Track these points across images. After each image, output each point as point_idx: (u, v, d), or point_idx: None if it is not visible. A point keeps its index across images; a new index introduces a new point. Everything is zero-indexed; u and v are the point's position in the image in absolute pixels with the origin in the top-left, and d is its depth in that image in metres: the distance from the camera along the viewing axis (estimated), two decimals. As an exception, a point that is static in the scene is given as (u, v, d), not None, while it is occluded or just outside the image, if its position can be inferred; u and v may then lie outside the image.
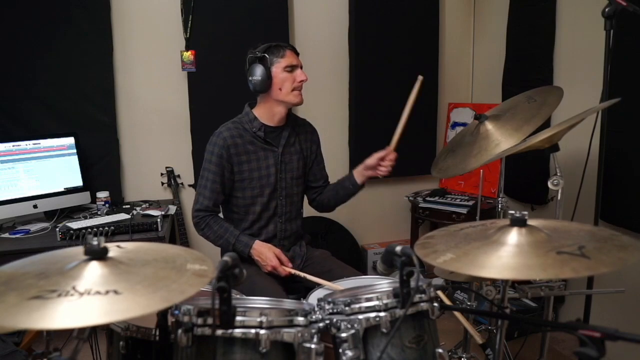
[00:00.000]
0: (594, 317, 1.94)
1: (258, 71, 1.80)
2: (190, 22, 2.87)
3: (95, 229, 2.29)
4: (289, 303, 1.18)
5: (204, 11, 2.89)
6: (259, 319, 1.01)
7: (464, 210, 2.93)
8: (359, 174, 1.95)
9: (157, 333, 1.12)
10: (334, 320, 1.08)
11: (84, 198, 2.70)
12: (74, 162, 2.66)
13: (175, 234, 2.91)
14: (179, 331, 1.01)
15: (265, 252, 1.83)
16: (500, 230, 1.06)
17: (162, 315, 1.10)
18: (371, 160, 1.88)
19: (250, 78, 1.82)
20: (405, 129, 1.84)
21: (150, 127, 2.99)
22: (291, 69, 1.82)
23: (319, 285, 1.64)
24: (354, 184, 1.96)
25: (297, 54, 1.87)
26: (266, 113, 1.89)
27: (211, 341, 0.99)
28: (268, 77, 1.80)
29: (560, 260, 0.91)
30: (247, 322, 1.01)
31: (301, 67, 1.86)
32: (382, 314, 1.08)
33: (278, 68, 1.81)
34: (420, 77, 1.85)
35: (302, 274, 1.79)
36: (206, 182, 1.86)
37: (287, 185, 1.94)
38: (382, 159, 1.87)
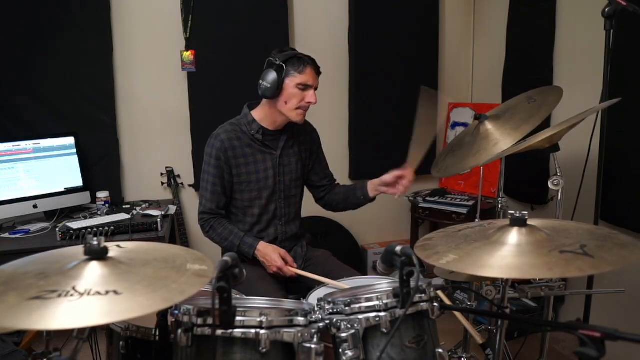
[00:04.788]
0: (594, 317, 1.94)
1: (270, 78, 1.74)
2: (190, 22, 2.87)
3: (95, 229, 2.29)
4: (289, 303, 1.18)
5: (204, 11, 2.88)
6: (259, 319, 1.01)
7: (464, 210, 2.93)
8: (373, 188, 1.90)
9: (157, 333, 1.12)
10: (334, 320, 1.08)
11: (84, 198, 2.70)
12: (74, 162, 2.66)
13: (175, 234, 2.91)
14: (179, 331, 1.01)
15: (270, 254, 1.82)
16: (500, 230, 1.06)
17: (162, 315, 1.10)
18: (388, 177, 1.82)
19: (261, 82, 1.77)
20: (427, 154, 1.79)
21: (150, 127, 2.99)
22: (304, 87, 1.76)
23: (322, 284, 1.63)
24: (366, 195, 1.92)
25: (318, 73, 1.80)
26: (267, 118, 1.87)
27: (211, 341, 0.99)
28: (278, 87, 1.74)
29: (565, 260, 0.92)
30: (247, 322, 1.01)
31: (316, 89, 1.80)
32: (382, 314, 1.08)
33: (292, 82, 1.75)
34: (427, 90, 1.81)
35: (307, 274, 1.79)
36: (207, 184, 1.86)
37: (286, 188, 1.93)
38: (401, 178, 1.81)
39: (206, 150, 1.86)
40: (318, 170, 2.06)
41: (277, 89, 1.75)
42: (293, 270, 1.82)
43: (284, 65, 1.74)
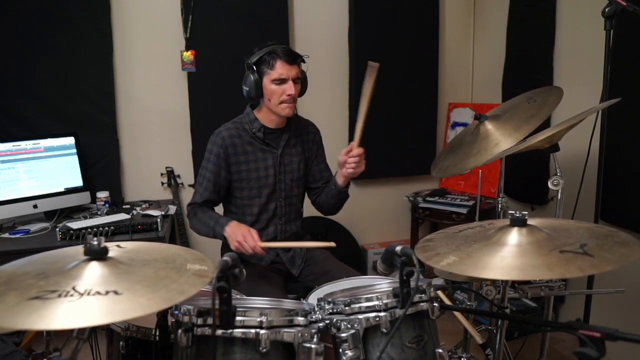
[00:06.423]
0: (594, 317, 1.94)
1: (249, 80, 1.79)
2: (190, 22, 2.87)
3: (95, 229, 2.29)
4: (289, 303, 1.18)
5: (204, 11, 2.89)
6: (259, 319, 1.01)
7: (464, 210, 2.93)
8: (339, 175, 1.88)
9: (157, 333, 1.12)
10: (334, 320, 1.09)
11: (84, 198, 2.69)
12: (74, 162, 2.66)
13: (175, 234, 2.91)
14: (179, 331, 1.01)
15: (245, 232, 1.68)
16: (500, 230, 1.06)
17: (162, 315, 1.10)
18: (340, 158, 1.79)
19: (243, 86, 1.81)
20: (366, 122, 1.72)
21: (150, 127, 2.99)
22: (280, 82, 1.76)
23: (324, 284, 1.61)
24: (336, 185, 1.89)
25: (290, 62, 1.76)
26: (265, 116, 1.89)
27: (211, 341, 0.99)
28: (257, 87, 1.78)
29: (565, 259, 0.92)
30: (247, 322, 1.01)
31: (294, 79, 1.77)
32: (382, 314, 1.08)
33: (267, 79, 1.77)
34: (372, 64, 1.66)
35: (278, 244, 1.87)
36: (202, 179, 1.87)
37: (287, 187, 1.94)
38: (348, 155, 1.77)
39: (207, 147, 1.88)
40: (315, 172, 2.05)
41: (257, 89, 1.78)
42: (263, 244, 1.69)
43: (254, 66, 1.78)
